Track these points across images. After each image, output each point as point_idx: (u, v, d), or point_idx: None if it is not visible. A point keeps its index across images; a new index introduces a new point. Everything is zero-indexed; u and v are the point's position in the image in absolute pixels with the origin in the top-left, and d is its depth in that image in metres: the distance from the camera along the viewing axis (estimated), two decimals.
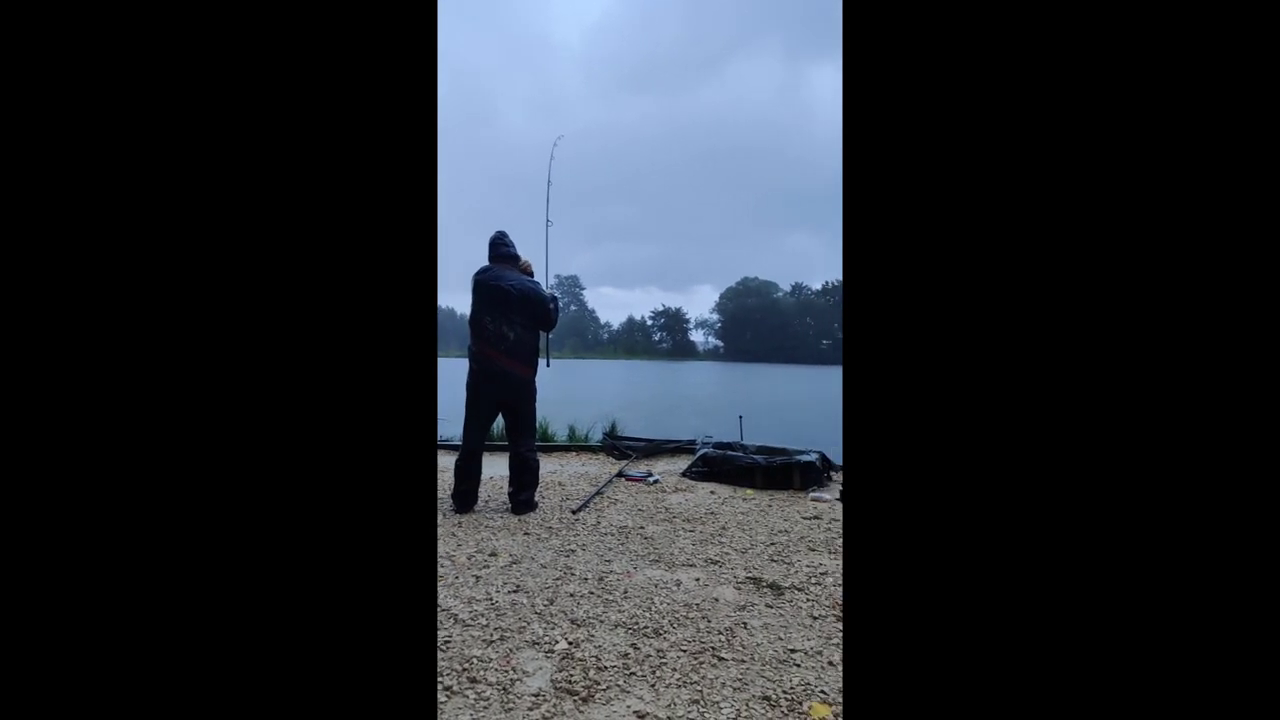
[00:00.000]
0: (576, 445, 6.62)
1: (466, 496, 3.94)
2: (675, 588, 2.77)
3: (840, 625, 2.44)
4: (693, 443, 6.06)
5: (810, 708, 1.87)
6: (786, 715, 1.84)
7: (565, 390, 19.09)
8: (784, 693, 1.95)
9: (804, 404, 20.68)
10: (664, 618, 2.44)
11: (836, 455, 5.31)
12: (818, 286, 73.08)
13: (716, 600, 2.64)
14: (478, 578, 2.82)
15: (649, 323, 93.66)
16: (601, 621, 2.39)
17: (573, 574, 2.89)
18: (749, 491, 4.64)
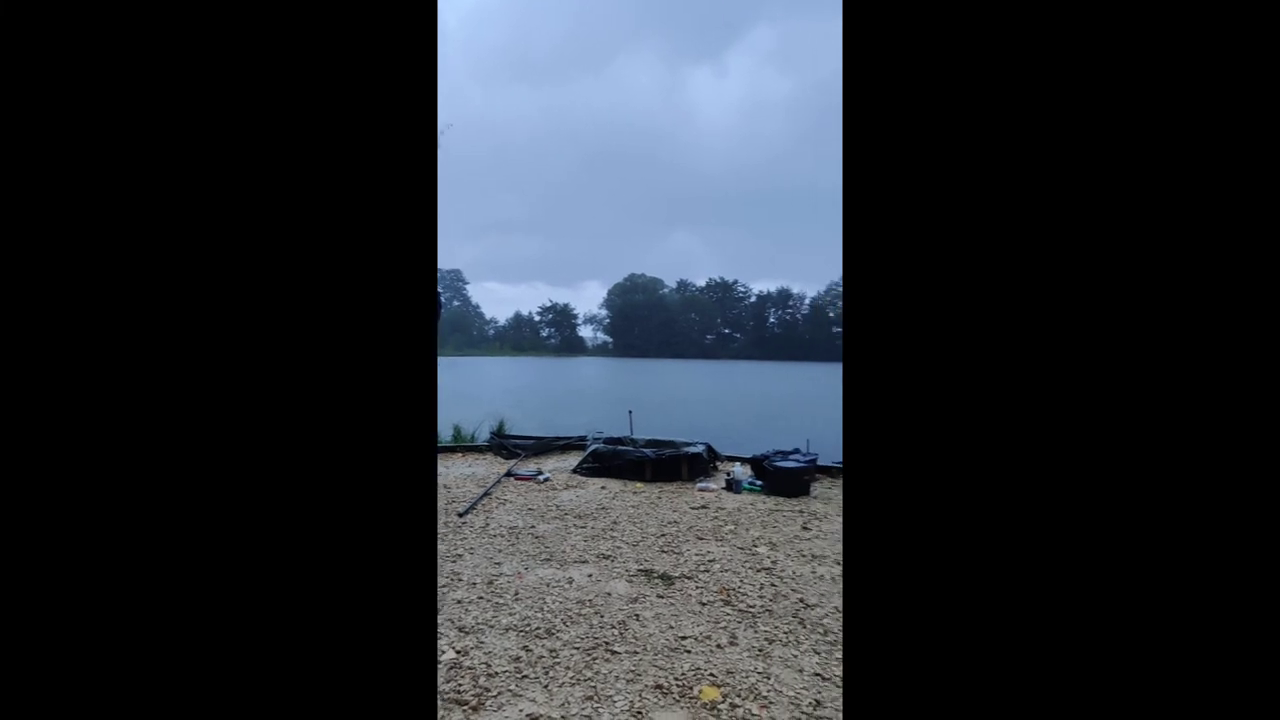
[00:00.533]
0: (462, 446, 6.39)
1: None
2: (567, 585, 2.75)
3: (727, 609, 2.54)
4: (583, 439, 6.06)
5: (700, 691, 1.93)
6: (679, 701, 1.88)
7: (449, 389, 18.36)
8: (675, 680, 1.99)
9: (690, 397, 21.34)
10: (556, 617, 2.42)
11: (722, 446, 5.52)
12: (701, 283, 75.59)
13: (609, 595, 2.66)
14: None
15: (537, 318, 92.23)
16: (491, 626, 2.33)
17: (460, 580, 2.79)
18: (639, 485, 4.71)
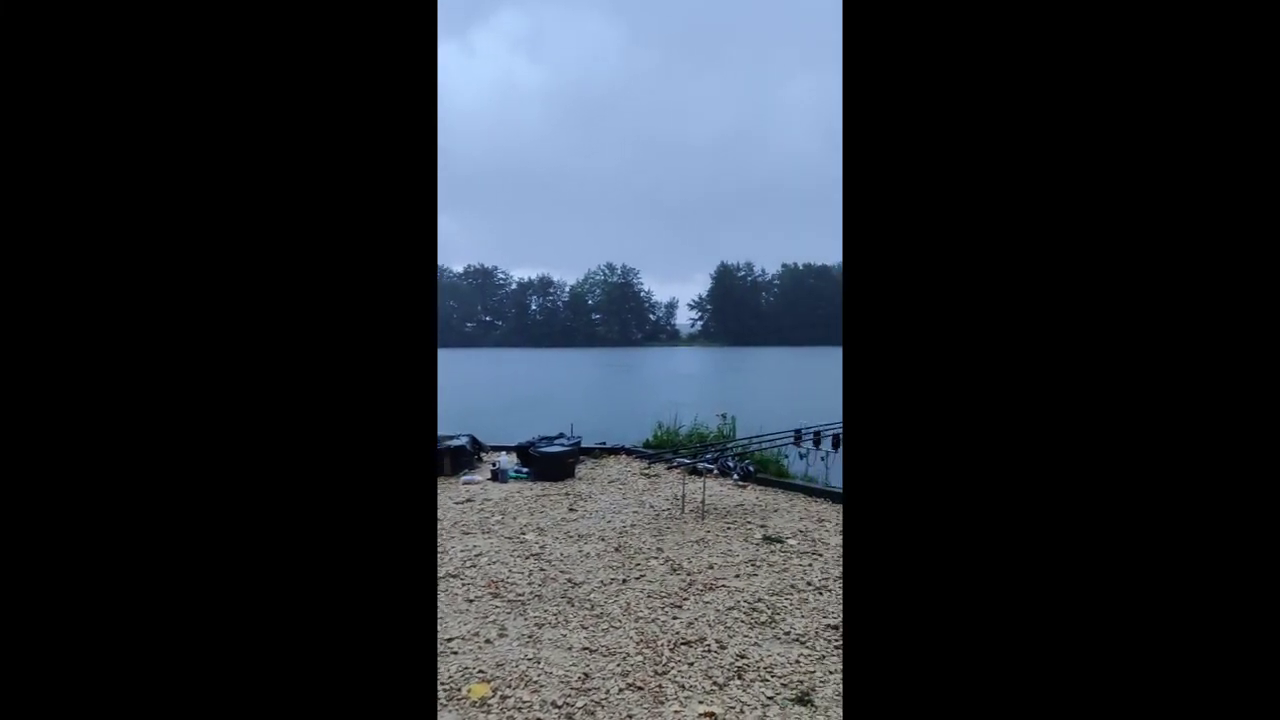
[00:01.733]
0: None
1: None
2: None
3: (496, 601, 2.51)
4: None
5: (469, 690, 1.88)
6: (445, 705, 1.81)
7: None
8: (442, 683, 1.91)
9: (451, 387, 20.51)
10: None
11: (487, 436, 5.41)
12: (459, 269, 72.88)
13: None
14: None
15: None
16: None
17: None
18: None
